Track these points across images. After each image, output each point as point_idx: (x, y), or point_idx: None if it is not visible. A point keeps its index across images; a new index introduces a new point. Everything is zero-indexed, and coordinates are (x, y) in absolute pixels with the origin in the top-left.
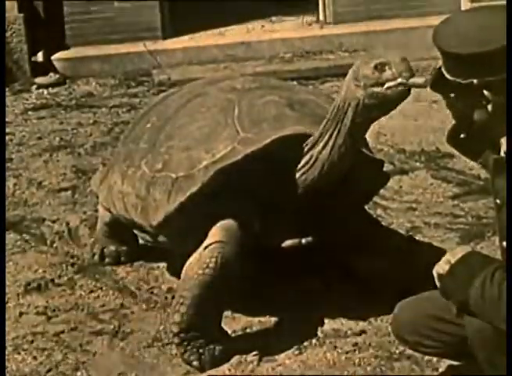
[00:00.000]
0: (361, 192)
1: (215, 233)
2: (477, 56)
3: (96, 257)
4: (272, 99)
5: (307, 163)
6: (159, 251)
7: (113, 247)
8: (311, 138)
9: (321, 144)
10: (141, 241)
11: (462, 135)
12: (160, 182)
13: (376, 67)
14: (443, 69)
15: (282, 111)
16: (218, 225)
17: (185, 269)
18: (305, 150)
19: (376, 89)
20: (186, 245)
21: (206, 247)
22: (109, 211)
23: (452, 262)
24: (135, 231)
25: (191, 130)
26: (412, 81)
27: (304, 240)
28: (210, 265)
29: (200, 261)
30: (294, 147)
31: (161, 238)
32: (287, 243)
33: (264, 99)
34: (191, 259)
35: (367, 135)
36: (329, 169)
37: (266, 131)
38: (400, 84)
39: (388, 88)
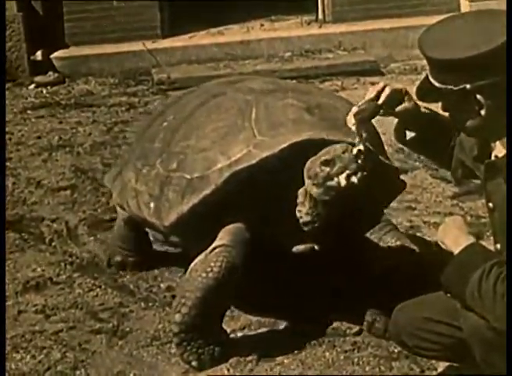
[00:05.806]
0: (375, 202)
1: (223, 237)
2: (469, 59)
3: (105, 263)
4: (291, 103)
5: (298, 219)
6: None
7: (119, 258)
8: (299, 194)
9: (307, 217)
10: (151, 239)
11: (409, 135)
12: (175, 182)
13: (323, 164)
14: (431, 78)
15: (300, 115)
16: (227, 228)
17: (189, 269)
18: (297, 202)
19: (330, 183)
20: (198, 246)
21: (212, 250)
22: (123, 209)
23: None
24: (148, 229)
25: (207, 131)
26: (359, 173)
27: (317, 247)
28: (215, 268)
29: (205, 263)
30: (310, 153)
31: (173, 238)
32: (299, 248)
33: (282, 102)
34: (196, 260)
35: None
36: (320, 225)
37: (283, 136)
38: (348, 175)
39: (338, 181)
